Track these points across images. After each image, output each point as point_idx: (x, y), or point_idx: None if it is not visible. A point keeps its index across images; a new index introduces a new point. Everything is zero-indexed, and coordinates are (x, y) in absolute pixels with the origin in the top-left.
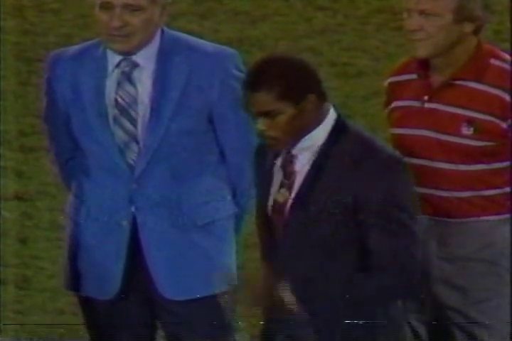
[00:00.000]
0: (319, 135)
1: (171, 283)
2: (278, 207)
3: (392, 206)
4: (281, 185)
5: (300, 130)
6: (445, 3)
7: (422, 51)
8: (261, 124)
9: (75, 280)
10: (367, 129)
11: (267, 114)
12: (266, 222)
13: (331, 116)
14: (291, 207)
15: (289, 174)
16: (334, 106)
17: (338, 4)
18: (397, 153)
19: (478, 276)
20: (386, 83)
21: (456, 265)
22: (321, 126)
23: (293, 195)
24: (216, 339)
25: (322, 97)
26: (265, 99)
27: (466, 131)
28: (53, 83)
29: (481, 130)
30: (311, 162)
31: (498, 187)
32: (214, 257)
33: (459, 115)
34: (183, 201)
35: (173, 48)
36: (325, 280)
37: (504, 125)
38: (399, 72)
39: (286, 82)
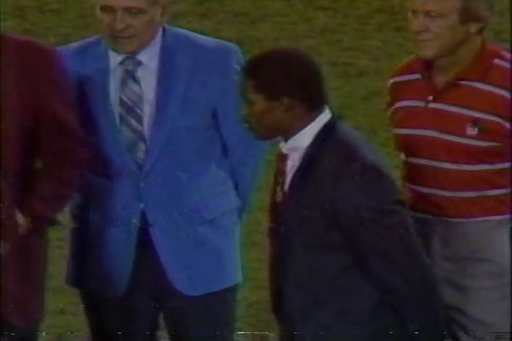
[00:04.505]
0: (305, 137)
1: (183, 279)
2: (275, 204)
3: (373, 211)
4: (277, 183)
5: (274, 126)
6: (450, 3)
7: (428, 52)
8: (243, 108)
9: (81, 278)
10: (367, 129)
11: (246, 100)
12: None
13: (322, 119)
14: (281, 206)
15: (281, 173)
16: (330, 108)
17: (338, 4)
18: (375, 162)
19: (480, 276)
20: (389, 83)
21: (460, 265)
22: (308, 127)
23: (283, 194)
24: (222, 334)
25: (305, 102)
26: (246, 85)
27: (471, 131)
28: None
29: (485, 130)
30: (298, 163)
31: (503, 187)
32: (223, 250)
33: (463, 115)
34: (190, 196)
35: (175, 45)
36: (314, 281)
37: (508, 125)
38: (402, 72)
39: (265, 77)
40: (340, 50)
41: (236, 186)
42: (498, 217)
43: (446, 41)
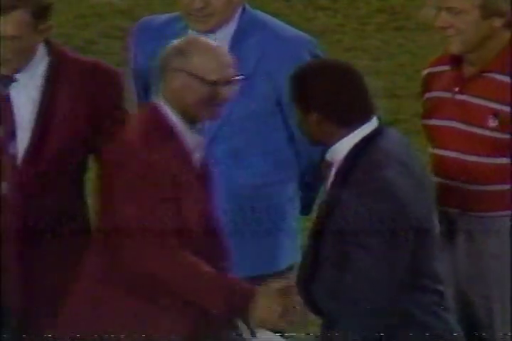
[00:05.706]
0: (340, 150)
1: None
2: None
3: (375, 233)
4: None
5: (313, 136)
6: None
7: (454, 47)
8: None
9: None
10: None
11: (295, 108)
12: None
13: (359, 133)
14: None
15: (326, 180)
16: (379, 119)
17: (338, 4)
18: (393, 183)
19: (506, 269)
20: (423, 74)
21: (484, 260)
22: (342, 141)
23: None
24: None
25: (334, 119)
26: (292, 95)
27: (492, 123)
28: (136, 50)
29: (506, 122)
30: (334, 175)
31: None
32: (272, 237)
33: (486, 107)
34: (241, 182)
35: (250, 29)
36: (342, 293)
37: None
38: (435, 63)
39: (300, 90)
40: (340, 50)
41: (302, 175)
42: None
43: (470, 36)
